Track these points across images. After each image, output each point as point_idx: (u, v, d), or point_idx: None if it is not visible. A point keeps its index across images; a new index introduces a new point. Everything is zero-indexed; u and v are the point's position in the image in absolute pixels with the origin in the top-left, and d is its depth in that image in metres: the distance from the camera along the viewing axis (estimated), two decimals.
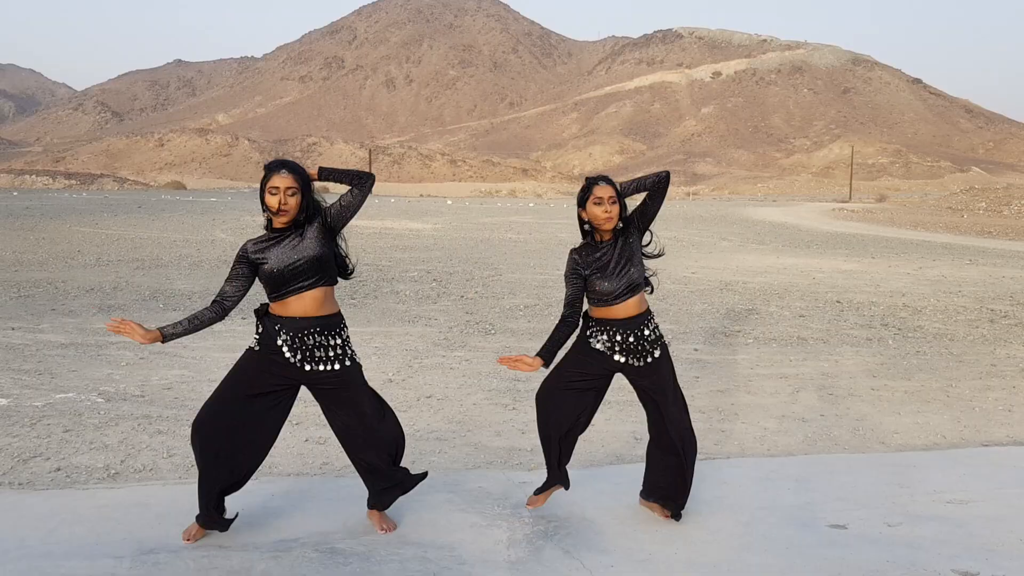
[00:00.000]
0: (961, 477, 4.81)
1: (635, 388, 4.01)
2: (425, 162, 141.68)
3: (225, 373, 3.74)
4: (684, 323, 10.11)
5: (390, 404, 6.38)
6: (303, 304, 3.57)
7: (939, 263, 18.34)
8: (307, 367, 3.57)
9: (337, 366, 3.62)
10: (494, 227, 29.10)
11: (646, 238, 3.98)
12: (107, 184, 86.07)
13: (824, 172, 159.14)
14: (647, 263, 3.98)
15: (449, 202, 52.44)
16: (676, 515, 3.99)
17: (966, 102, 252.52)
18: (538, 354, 3.72)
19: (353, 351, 3.73)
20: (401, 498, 4.10)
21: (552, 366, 3.95)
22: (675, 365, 7.81)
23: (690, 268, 16.49)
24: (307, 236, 3.59)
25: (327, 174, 3.71)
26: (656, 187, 3.93)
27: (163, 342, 3.49)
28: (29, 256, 14.59)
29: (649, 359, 3.88)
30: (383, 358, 7.84)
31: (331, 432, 5.42)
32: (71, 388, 6.32)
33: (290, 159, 3.77)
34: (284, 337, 3.55)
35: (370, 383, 6.85)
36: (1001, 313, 11.31)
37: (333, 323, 3.65)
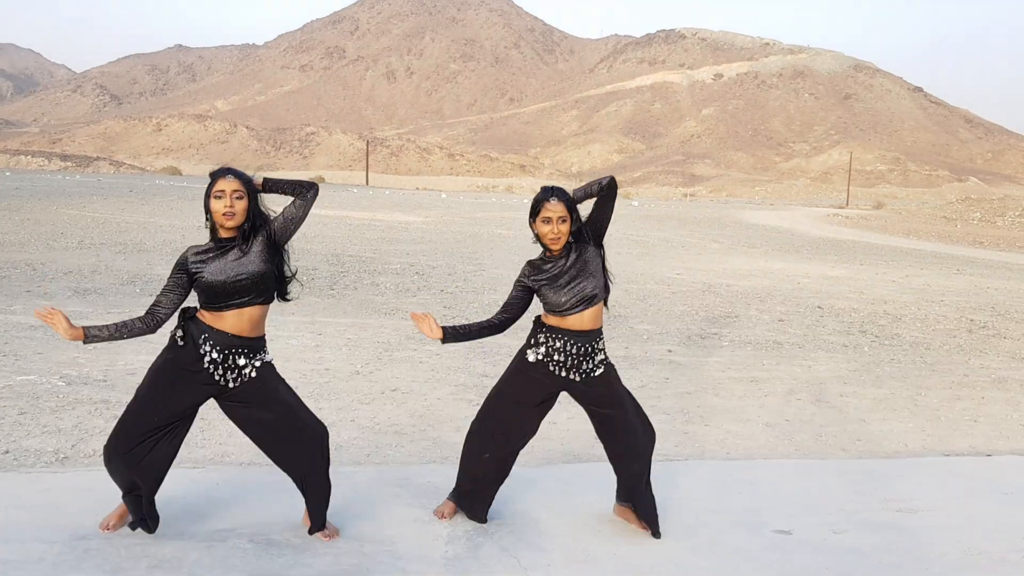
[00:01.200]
0: (916, 486, 4.80)
1: (585, 405, 3.90)
2: (423, 155, 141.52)
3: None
4: (661, 324, 10.10)
5: (354, 396, 6.41)
6: (239, 322, 3.46)
7: (926, 272, 18.35)
8: (229, 384, 3.47)
9: (254, 373, 3.52)
10: (485, 222, 29.06)
11: (603, 251, 3.88)
12: (103, 167, 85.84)
13: (822, 177, 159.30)
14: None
15: (444, 196, 52.38)
16: (656, 533, 3.90)
17: (966, 112, 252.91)
18: (443, 327, 3.66)
19: (265, 354, 3.61)
20: (346, 492, 4.07)
21: (493, 389, 3.93)
22: (648, 366, 7.88)
23: (676, 269, 16.48)
24: (252, 251, 3.49)
25: (272, 184, 3.63)
26: (603, 193, 3.85)
27: (84, 342, 3.39)
28: (11, 237, 14.52)
29: (590, 375, 3.80)
30: (353, 350, 7.81)
31: None
32: (33, 371, 6.28)
33: (234, 167, 3.69)
34: (207, 349, 3.44)
35: (337, 375, 6.89)
36: (980, 324, 11.32)
37: (258, 346, 3.55)
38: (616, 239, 23.20)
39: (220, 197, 3.47)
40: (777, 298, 12.88)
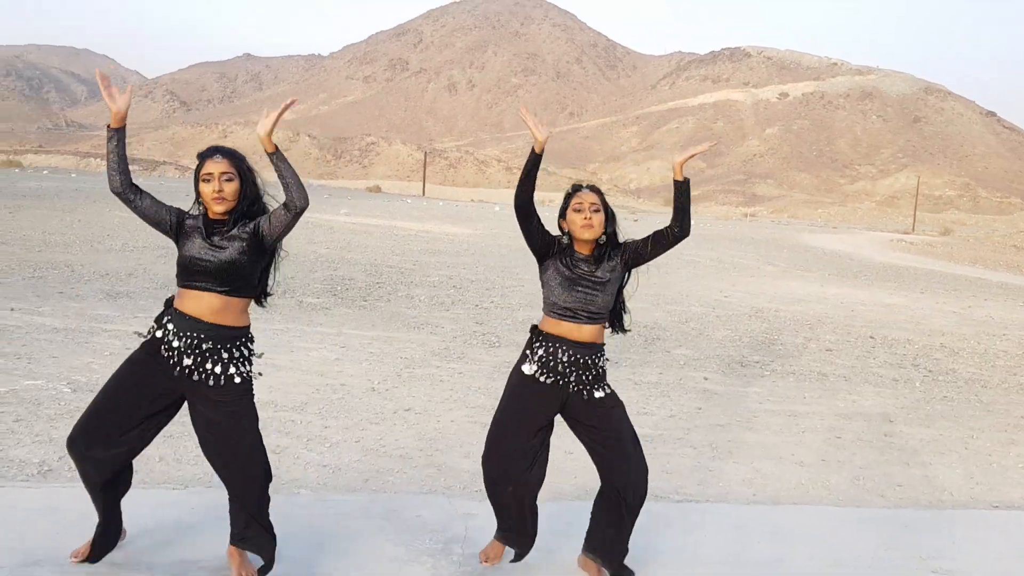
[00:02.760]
0: (955, 542, 4.36)
1: (580, 433, 3.59)
2: (481, 167, 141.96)
3: None
4: (701, 349, 9.68)
5: (365, 414, 6.16)
6: (198, 305, 3.27)
7: (990, 303, 17.50)
8: (187, 373, 3.25)
9: (221, 381, 3.27)
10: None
11: (629, 277, 3.63)
12: (169, 171, 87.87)
13: (888, 201, 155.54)
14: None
15: (497, 208, 52.20)
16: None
17: None
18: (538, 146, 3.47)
19: (245, 368, 3.36)
20: (326, 523, 3.81)
21: (495, 414, 3.67)
22: (680, 394, 7.49)
23: (724, 291, 15.97)
24: (235, 237, 3.29)
25: (278, 159, 3.34)
26: (674, 232, 3.55)
27: (115, 127, 3.31)
28: (57, 237, 14.68)
29: (590, 394, 3.49)
30: (374, 365, 7.58)
31: (282, 443, 5.16)
32: (43, 375, 6.17)
33: (224, 145, 3.44)
34: (166, 330, 3.26)
35: (352, 391, 6.65)
36: None
37: (229, 335, 3.31)
38: (665, 258, 22.66)
39: (208, 180, 3.28)
40: (828, 326, 12.33)
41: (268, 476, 3.40)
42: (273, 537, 3.38)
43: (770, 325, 11.96)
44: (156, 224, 3.37)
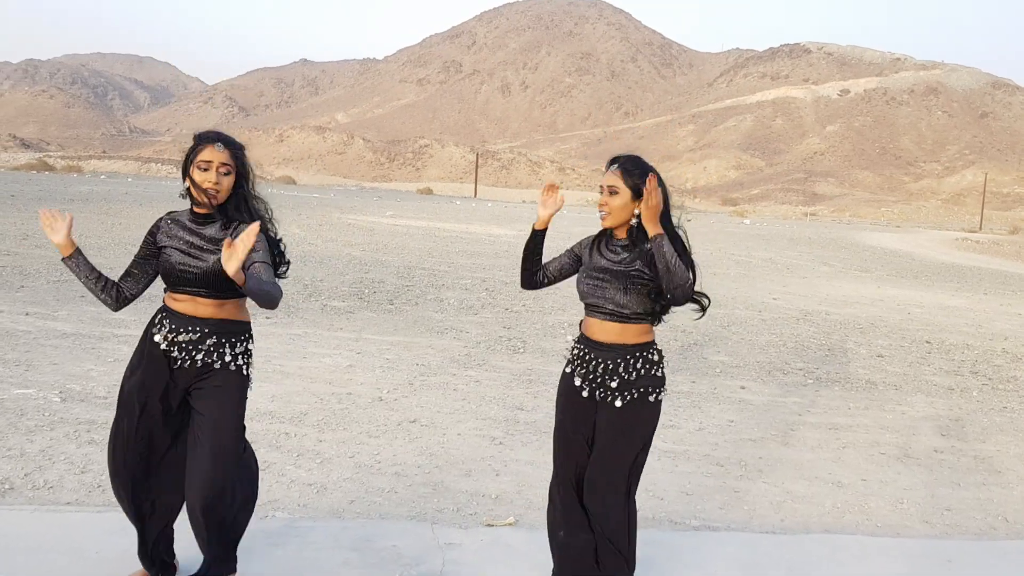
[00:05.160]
0: None
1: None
2: (534, 168, 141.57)
3: None
4: (741, 356, 9.13)
5: (366, 426, 5.79)
6: (195, 307, 3.01)
7: None
8: (183, 364, 2.99)
9: (217, 365, 3.01)
10: (578, 237, 28.24)
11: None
12: None
13: (954, 199, 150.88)
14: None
15: None
16: None
17: None
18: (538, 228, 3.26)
19: (244, 361, 3.07)
20: (289, 552, 3.45)
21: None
22: (713, 404, 6.98)
23: (773, 293, 15.31)
24: (220, 243, 2.94)
25: (252, 283, 2.85)
26: (672, 295, 2.97)
27: (62, 259, 3.01)
28: (94, 240, 14.70)
29: (614, 400, 3.03)
30: (387, 372, 7.23)
31: (269, 458, 4.76)
32: (36, 384, 5.95)
33: (225, 133, 3.08)
34: (168, 327, 2.99)
35: (358, 401, 6.30)
36: None
37: (230, 330, 3.03)
38: (715, 258, 22.05)
39: (206, 169, 2.95)
40: (881, 329, 11.65)
41: (246, 488, 3.12)
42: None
43: (818, 329, 11.33)
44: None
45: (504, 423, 6.00)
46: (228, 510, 3.03)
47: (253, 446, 5.08)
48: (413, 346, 8.40)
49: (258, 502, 4.15)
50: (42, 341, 7.24)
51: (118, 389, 3.13)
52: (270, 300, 2.83)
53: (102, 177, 52.27)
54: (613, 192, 3.05)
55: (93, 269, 3.03)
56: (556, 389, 3.28)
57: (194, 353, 2.98)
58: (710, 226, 42.67)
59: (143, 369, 3.04)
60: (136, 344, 3.18)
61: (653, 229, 2.91)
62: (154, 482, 3.10)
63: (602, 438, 3.08)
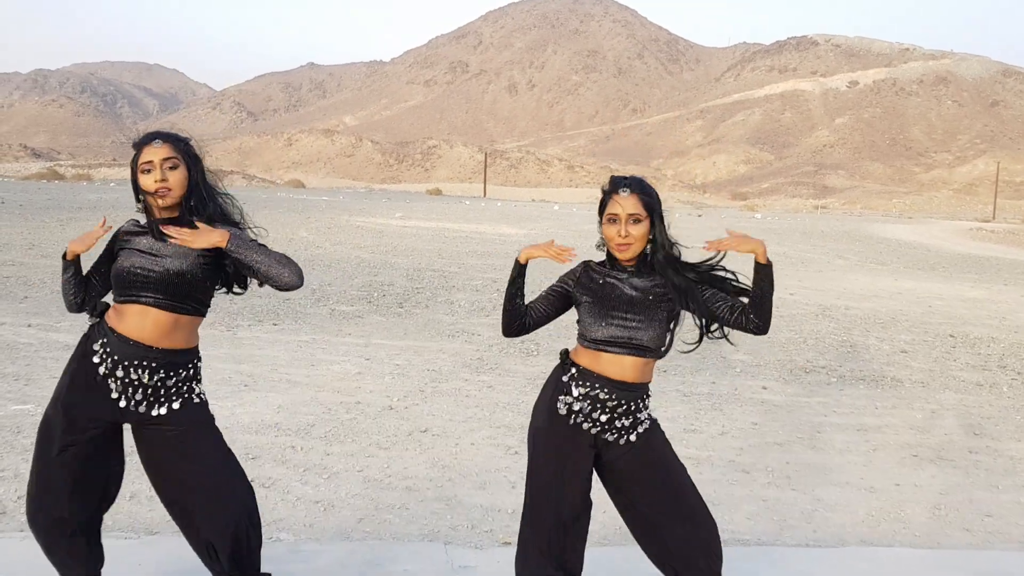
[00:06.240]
0: None
1: (615, 483, 2.86)
2: (542, 167, 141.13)
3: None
4: (761, 355, 8.87)
5: (376, 437, 5.57)
6: (141, 323, 2.70)
7: None
8: (132, 406, 2.72)
9: (175, 406, 2.75)
10: (590, 235, 27.97)
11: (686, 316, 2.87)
12: (236, 181, 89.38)
13: (967, 189, 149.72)
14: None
15: (556, 207, 51.57)
16: None
17: None
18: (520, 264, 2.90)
19: (199, 388, 2.84)
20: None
21: (527, 469, 2.89)
22: (734, 407, 6.73)
23: (789, 288, 15.01)
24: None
25: (235, 246, 2.73)
26: (755, 315, 2.80)
27: (67, 257, 2.83)
28: (99, 246, 14.54)
29: (627, 437, 2.78)
30: (397, 379, 7.01)
31: (274, 474, 4.55)
32: (35, 399, 5.75)
33: (164, 130, 2.86)
34: (104, 357, 2.71)
35: (367, 410, 6.08)
36: None
37: (177, 361, 2.76)
38: (728, 253, 21.73)
39: (149, 171, 2.72)
40: (903, 324, 11.36)
41: (249, 509, 2.85)
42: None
43: (838, 325, 11.06)
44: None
45: (519, 431, 5.77)
46: (256, 537, 2.88)
47: (258, 461, 4.89)
48: (423, 351, 8.18)
49: (263, 523, 3.95)
50: (43, 354, 7.06)
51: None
52: (284, 265, 2.69)
53: (111, 185, 52.28)
54: (637, 220, 2.73)
55: (81, 271, 2.86)
56: (535, 425, 2.87)
57: (141, 401, 2.72)
58: (721, 221, 42.25)
59: (77, 380, 2.76)
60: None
61: (763, 257, 2.75)
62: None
63: (653, 464, 2.81)
